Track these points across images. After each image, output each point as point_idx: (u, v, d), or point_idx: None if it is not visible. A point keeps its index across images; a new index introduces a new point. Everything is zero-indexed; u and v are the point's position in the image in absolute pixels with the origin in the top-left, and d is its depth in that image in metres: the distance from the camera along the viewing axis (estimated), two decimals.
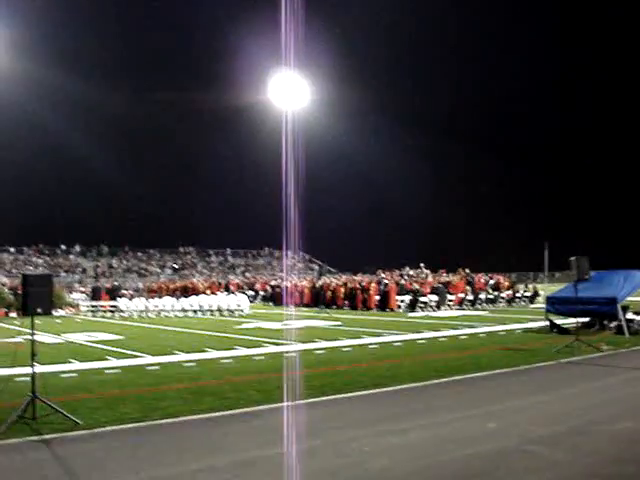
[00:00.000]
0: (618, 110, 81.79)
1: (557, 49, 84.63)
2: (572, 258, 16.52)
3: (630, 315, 19.57)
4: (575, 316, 17.98)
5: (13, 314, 33.33)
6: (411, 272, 43.19)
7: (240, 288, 49.44)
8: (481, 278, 39.86)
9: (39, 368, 9.72)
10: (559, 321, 20.92)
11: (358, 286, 37.93)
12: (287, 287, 44.22)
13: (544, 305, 22.59)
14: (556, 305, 21.02)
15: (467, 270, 40.48)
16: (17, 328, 20.83)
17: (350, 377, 12.37)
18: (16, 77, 53.81)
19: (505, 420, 8.71)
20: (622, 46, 78.89)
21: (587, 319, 20.59)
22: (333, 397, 10.50)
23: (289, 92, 47.85)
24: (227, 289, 47.19)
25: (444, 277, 39.07)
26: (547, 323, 20.91)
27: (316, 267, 77.99)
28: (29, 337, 9.25)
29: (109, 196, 77.82)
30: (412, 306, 34.60)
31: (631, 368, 13.38)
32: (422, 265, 44.07)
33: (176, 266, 76.54)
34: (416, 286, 36.06)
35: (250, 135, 69.41)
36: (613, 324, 19.86)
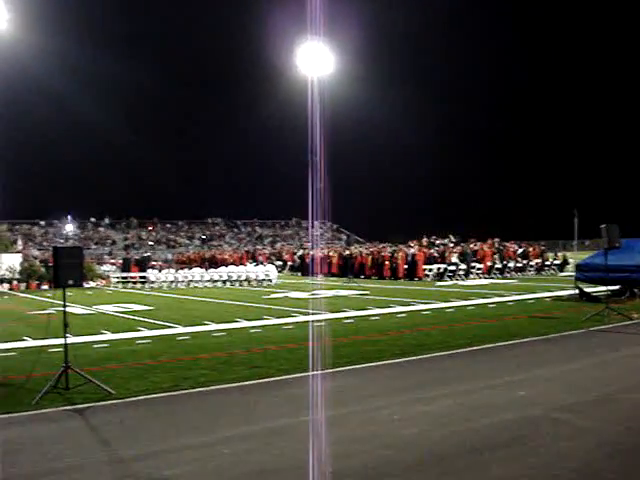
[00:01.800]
0: None
1: None
2: (602, 225, 16.34)
3: None
4: (605, 284, 17.84)
5: (45, 286, 33.79)
6: (439, 241, 42.99)
7: (268, 258, 49.63)
8: (510, 247, 39.59)
9: (71, 339, 9.88)
10: (589, 289, 20.77)
11: (387, 255, 37.87)
12: (315, 257, 44.27)
13: (574, 273, 22.41)
14: (586, 273, 20.83)
15: (497, 239, 40.23)
16: (49, 300, 21.15)
17: (378, 346, 12.42)
18: (34, 49, 53.93)
19: (534, 388, 8.70)
20: None
21: (617, 287, 20.40)
22: (361, 366, 10.56)
23: (315, 61, 47.54)
24: (255, 259, 47.39)
25: (473, 246, 38.83)
26: (577, 291, 20.76)
27: (344, 237, 78.00)
28: (61, 309, 9.39)
29: (138, 169, 78.25)
30: (440, 275, 34.52)
31: None
32: (451, 235, 43.88)
33: (204, 237, 76.94)
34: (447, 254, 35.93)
35: (277, 105, 69.14)
36: None
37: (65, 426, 7.55)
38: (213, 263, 45.43)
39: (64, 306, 9.32)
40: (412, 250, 37.69)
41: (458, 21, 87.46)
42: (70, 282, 9.44)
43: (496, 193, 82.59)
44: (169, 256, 62.11)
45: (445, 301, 21.02)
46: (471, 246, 38.27)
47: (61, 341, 9.52)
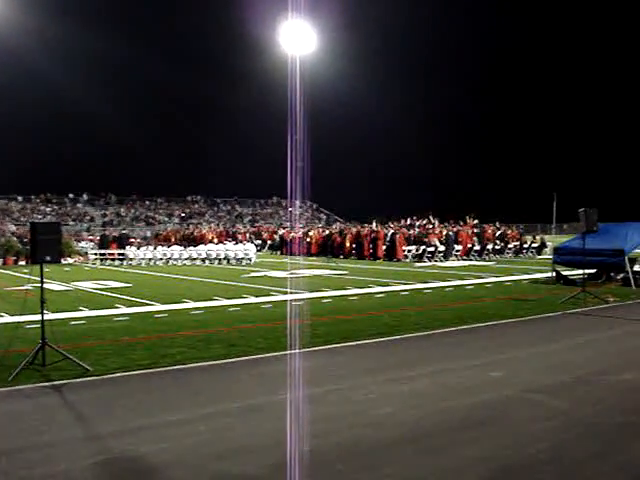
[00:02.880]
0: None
1: None
2: (580, 210, 16.46)
3: (637, 267, 19.58)
4: (582, 267, 18.00)
5: (22, 262, 33.55)
6: (418, 222, 43.13)
7: (248, 237, 49.53)
8: (489, 229, 39.81)
9: (48, 315, 9.83)
10: (566, 272, 20.97)
11: (366, 235, 37.92)
12: (294, 236, 44.28)
13: (551, 256, 22.60)
14: (563, 256, 21.00)
15: (476, 221, 40.43)
16: (26, 276, 21.01)
17: (356, 326, 12.48)
18: (19, 28, 53.25)
19: (509, 369, 8.80)
20: None
21: (594, 270, 20.60)
22: (339, 345, 10.61)
23: (296, 39, 47.29)
24: (235, 238, 47.29)
25: (452, 227, 38.99)
26: (554, 274, 20.94)
27: (324, 216, 78.02)
28: (38, 285, 9.33)
29: (117, 145, 77.63)
30: (419, 256, 34.66)
31: (636, 320, 13.42)
32: (430, 215, 44.00)
33: (184, 215, 76.64)
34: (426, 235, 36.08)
35: (258, 82, 68.83)
36: (620, 276, 19.91)
37: (41, 402, 7.52)
38: (192, 241, 45.29)
39: (41, 282, 9.26)
40: (392, 231, 37.78)
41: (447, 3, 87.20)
42: (47, 258, 9.37)
43: (475, 175, 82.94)
44: (148, 233, 61.80)
45: (423, 282, 21.13)
46: (453, 228, 38.41)
47: (38, 317, 9.47)
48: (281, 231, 49.51)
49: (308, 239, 42.22)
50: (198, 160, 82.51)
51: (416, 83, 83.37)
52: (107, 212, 73.88)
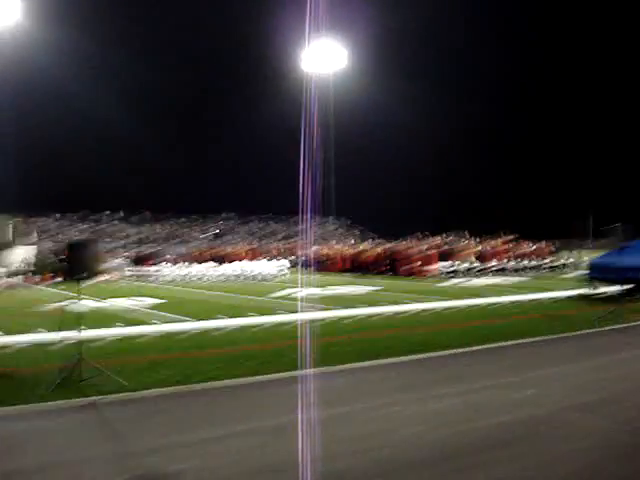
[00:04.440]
0: None
1: None
2: (616, 225, 16.30)
3: None
4: (618, 283, 17.78)
5: (59, 279, 33.99)
6: (453, 239, 42.94)
7: (281, 254, 49.65)
8: (524, 245, 39.50)
9: (85, 332, 9.98)
10: (602, 288, 20.71)
11: (399, 252, 37.86)
12: (327, 253, 44.30)
13: (587, 272, 22.35)
14: (599, 272, 20.77)
15: (511, 237, 40.17)
16: (63, 293, 21.30)
17: (388, 342, 12.45)
18: (49, 46, 54.09)
19: (542, 387, 8.72)
20: None
21: (630, 286, 20.32)
22: (370, 363, 10.60)
23: (325, 57, 47.56)
24: (268, 254, 47.42)
25: (487, 244, 38.77)
26: (590, 290, 20.70)
27: (357, 232, 77.92)
28: (75, 301, 9.48)
29: (152, 164, 78.47)
30: (453, 272, 34.49)
31: None
32: (466, 232, 43.83)
33: (218, 232, 77.10)
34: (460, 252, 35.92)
35: (290, 100, 69.15)
36: None
37: (77, 418, 7.64)
38: (225, 258, 45.52)
39: (78, 299, 9.41)
40: (425, 247, 37.70)
41: (473, 18, 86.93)
42: (84, 275, 9.53)
43: (509, 192, 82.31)
44: (182, 250, 62.26)
45: (457, 299, 21.00)
46: (490, 244, 38.19)
47: (75, 334, 9.61)
48: (314, 248, 49.58)
49: (342, 255, 42.26)
50: (232, 179, 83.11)
51: (447, 99, 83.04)
52: (142, 229, 74.62)
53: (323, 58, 47.27)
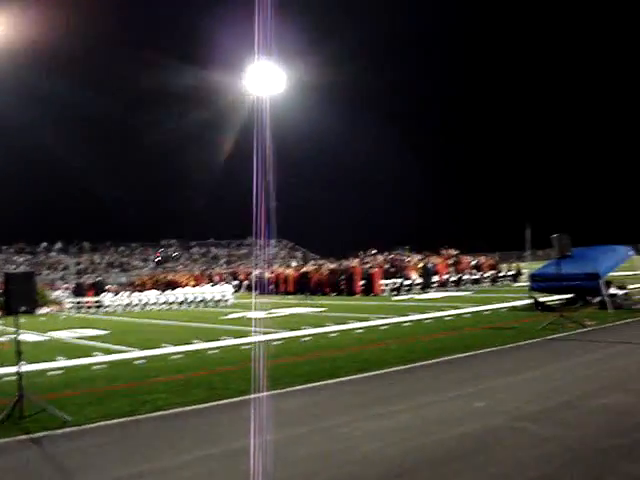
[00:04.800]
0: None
1: None
2: (554, 235, 16.62)
3: (613, 290, 19.70)
4: (558, 293, 18.12)
5: None
6: (394, 256, 43.26)
7: (224, 279, 49.33)
8: (464, 259, 40.00)
9: (25, 367, 9.68)
10: (543, 298, 21.06)
11: (343, 272, 37.95)
12: (270, 276, 44.17)
13: (528, 283, 22.71)
14: (539, 282, 21.13)
15: (454, 251, 40.62)
16: (1, 327, 20.72)
17: (337, 362, 12.40)
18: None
19: (493, 398, 8.77)
20: None
21: (570, 295, 20.73)
22: (321, 383, 10.52)
23: (265, 80, 47.75)
24: (211, 280, 47.07)
25: (429, 259, 39.14)
26: (531, 301, 21.03)
27: (299, 254, 78.02)
28: (14, 336, 9.19)
29: (88, 192, 77.26)
30: (397, 290, 34.70)
31: (615, 342, 13.48)
32: (407, 248, 44.23)
33: (159, 259, 76.28)
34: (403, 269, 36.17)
35: (227, 124, 69.05)
36: (596, 300, 20.01)
37: (21, 456, 7.37)
38: (168, 285, 45.03)
39: (17, 333, 9.13)
40: (368, 265, 37.87)
41: (409, 42, 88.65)
42: (22, 308, 9.26)
43: (448, 207, 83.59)
44: (123, 279, 61.36)
45: (402, 315, 21.10)
46: (432, 260, 38.54)
47: (15, 369, 9.31)
48: (257, 271, 49.41)
49: (285, 278, 42.18)
50: (171, 204, 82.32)
51: (391, 121, 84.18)
52: (81, 260, 73.34)
53: (263, 80, 47.41)
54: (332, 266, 40.52)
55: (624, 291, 19.75)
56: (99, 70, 75.66)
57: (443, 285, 36.22)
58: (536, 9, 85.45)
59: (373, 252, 45.53)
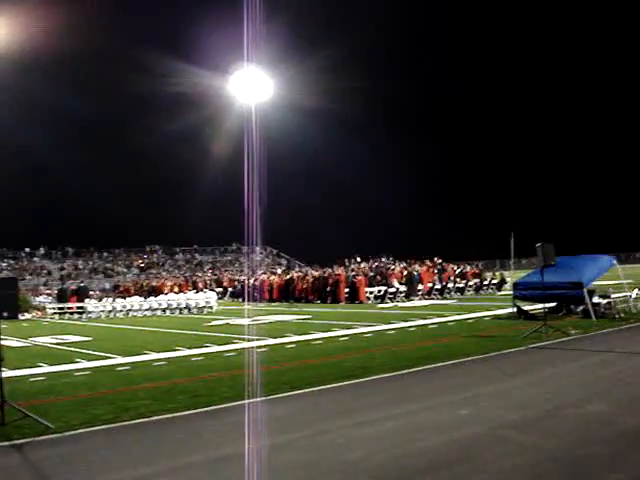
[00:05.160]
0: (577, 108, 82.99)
1: None
2: (537, 244, 16.71)
3: (596, 299, 19.81)
4: (542, 301, 18.15)
5: None
6: (378, 263, 43.32)
7: (208, 285, 49.18)
8: (448, 267, 40.12)
9: (7, 373, 9.59)
10: (527, 307, 21.13)
11: (329, 279, 37.94)
12: (255, 282, 44.11)
13: (511, 292, 22.78)
14: (523, 291, 21.22)
15: (438, 260, 40.73)
16: None
17: (321, 370, 12.39)
18: None
19: (477, 406, 8.78)
20: None
21: (554, 304, 20.81)
22: (305, 390, 10.50)
23: (251, 87, 47.74)
24: (195, 286, 46.92)
25: (413, 267, 39.21)
26: (515, 309, 21.10)
27: (284, 261, 77.97)
28: None
29: (72, 197, 76.82)
30: (381, 297, 34.72)
31: (598, 351, 13.55)
32: (387, 257, 44.33)
33: (143, 265, 75.98)
34: (388, 277, 36.21)
35: (213, 130, 68.95)
36: (580, 308, 20.12)
37: (2, 463, 7.29)
38: (152, 291, 44.87)
39: None
40: (353, 273, 37.90)
41: (398, 53, 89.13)
42: (4, 314, 9.18)
43: (432, 215, 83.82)
44: (107, 285, 61.07)
45: (387, 323, 21.11)
46: (416, 268, 38.59)
47: None
48: (242, 278, 49.32)
49: (269, 285, 42.12)
50: (155, 210, 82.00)
51: (375, 130, 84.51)
52: (64, 265, 72.93)
53: (251, 87, 47.40)
54: (317, 273, 40.49)
55: (607, 300, 19.86)
56: (84, 73, 75.19)
57: (428, 293, 36.27)
58: (516, 26, 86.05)
59: (358, 260, 45.63)
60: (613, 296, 20.25)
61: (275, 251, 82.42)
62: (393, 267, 40.30)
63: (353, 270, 39.85)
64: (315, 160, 79.10)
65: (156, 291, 44.13)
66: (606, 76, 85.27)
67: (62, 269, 71.28)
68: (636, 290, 21.83)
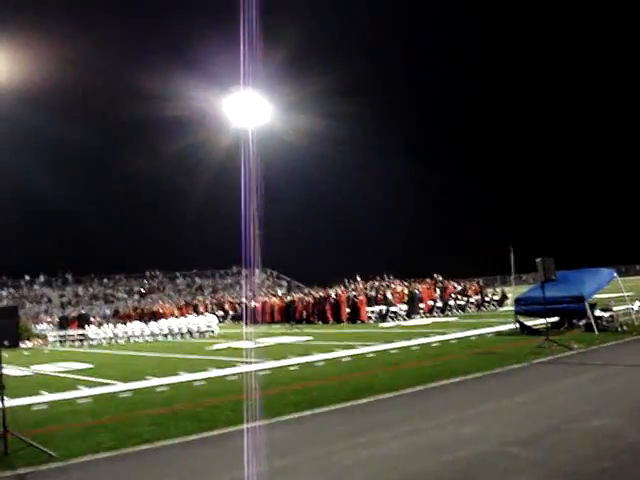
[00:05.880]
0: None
1: None
2: (538, 259, 16.71)
3: (598, 312, 19.77)
4: (544, 316, 18.12)
5: None
6: (379, 283, 43.25)
7: (209, 309, 49.10)
8: (449, 284, 40.06)
9: (9, 402, 9.54)
10: (529, 322, 21.08)
11: (329, 299, 37.88)
12: (256, 305, 44.03)
13: (513, 307, 22.74)
14: (525, 306, 21.19)
15: (439, 277, 40.69)
16: None
17: (325, 391, 12.33)
18: None
19: (481, 424, 8.73)
20: None
21: (556, 318, 20.77)
22: (309, 412, 10.44)
23: (248, 111, 47.93)
24: (196, 310, 46.84)
25: (414, 286, 39.15)
26: (517, 325, 21.05)
27: (285, 283, 77.85)
28: None
29: (70, 224, 76.86)
30: (383, 317, 34.65)
31: (602, 365, 13.51)
32: (391, 276, 44.33)
33: (143, 290, 75.83)
34: (389, 296, 36.15)
35: (212, 155, 69.08)
36: (582, 322, 20.06)
37: None
38: (153, 316, 44.77)
39: (0, 368, 9.01)
40: (354, 293, 37.85)
41: (392, 75, 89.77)
42: (5, 343, 9.15)
43: (432, 233, 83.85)
44: (107, 311, 60.91)
45: (389, 342, 21.04)
46: (417, 286, 38.53)
47: None
48: (243, 300, 49.23)
49: (270, 307, 42.08)
50: (154, 234, 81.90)
51: (368, 151, 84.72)
52: (65, 292, 72.78)
53: (247, 110, 47.59)
54: (317, 294, 40.44)
55: (609, 313, 19.81)
56: (81, 101, 75.44)
57: (429, 311, 36.20)
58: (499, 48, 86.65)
59: (358, 279, 45.58)
60: (615, 309, 20.23)
61: (275, 273, 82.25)
62: (394, 286, 40.24)
63: (354, 290, 39.78)
64: (314, 182, 79.21)
65: (157, 316, 44.02)
66: (601, 88, 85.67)
67: (62, 296, 71.13)
68: (637, 302, 21.81)
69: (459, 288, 39.73)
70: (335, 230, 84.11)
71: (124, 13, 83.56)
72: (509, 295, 38.22)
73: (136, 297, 73.36)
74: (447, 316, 34.71)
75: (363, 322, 34.41)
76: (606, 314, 19.76)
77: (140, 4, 77.07)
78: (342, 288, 40.93)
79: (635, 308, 21.17)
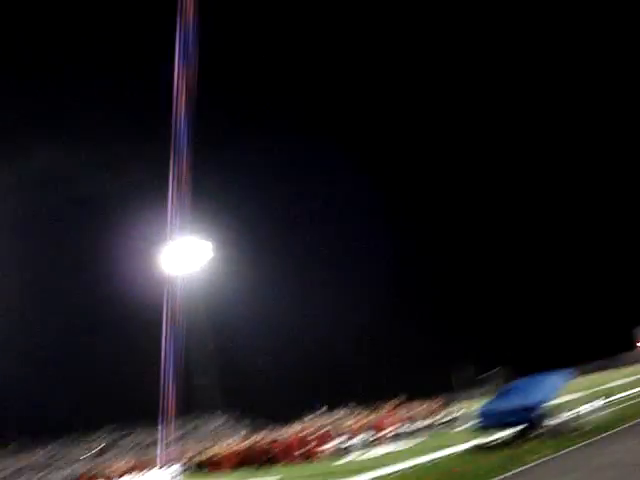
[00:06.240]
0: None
1: None
2: (491, 372, 16.99)
3: (552, 420, 19.68)
4: (509, 426, 17.99)
5: None
6: (333, 419, 42.67)
7: (170, 460, 47.45)
8: (413, 406, 39.83)
9: None
10: (495, 435, 20.85)
11: (291, 437, 37.22)
12: (218, 451, 42.90)
13: (477, 421, 22.42)
14: (488, 419, 20.99)
15: (398, 400, 40.49)
16: None
17: None
18: None
19: None
20: None
21: (521, 426, 20.69)
22: None
23: (183, 258, 47.97)
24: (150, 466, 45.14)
25: (376, 411, 38.80)
26: (477, 442, 20.79)
27: (248, 422, 76.11)
28: None
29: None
30: (349, 447, 33.92)
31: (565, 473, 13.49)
32: (353, 403, 44.12)
33: (100, 449, 72.96)
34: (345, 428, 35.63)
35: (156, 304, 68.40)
36: (541, 430, 20.02)
37: None
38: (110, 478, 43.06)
39: None
40: (315, 427, 37.34)
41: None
42: None
43: (387, 355, 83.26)
44: (60, 477, 58.23)
45: (358, 474, 20.63)
46: (380, 411, 38.17)
47: None
48: (203, 448, 47.89)
49: (233, 451, 41.09)
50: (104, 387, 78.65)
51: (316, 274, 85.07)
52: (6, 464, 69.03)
53: (186, 256, 47.80)
54: (279, 433, 39.76)
55: (562, 419, 19.66)
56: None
57: (396, 436, 35.57)
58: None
59: (322, 410, 45.09)
60: (566, 414, 20.23)
61: (237, 412, 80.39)
62: (356, 414, 39.84)
63: (309, 427, 39.20)
64: (263, 311, 78.60)
65: (113, 475, 42.32)
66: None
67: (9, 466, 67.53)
68: (597, 401, 21.90)
69: (422, 408, 39.44)
70: (292, 360, 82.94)
71: None
72: (462, 411, 37.92)
73: (93, 456, 70.45)
74: (415, 438, 33.72)
75: (330, 455, 33.35)
76: (558, 420, 19.70)
77: None
78: (302, 424, 40.36)
79: (589, 408, 21.24)
